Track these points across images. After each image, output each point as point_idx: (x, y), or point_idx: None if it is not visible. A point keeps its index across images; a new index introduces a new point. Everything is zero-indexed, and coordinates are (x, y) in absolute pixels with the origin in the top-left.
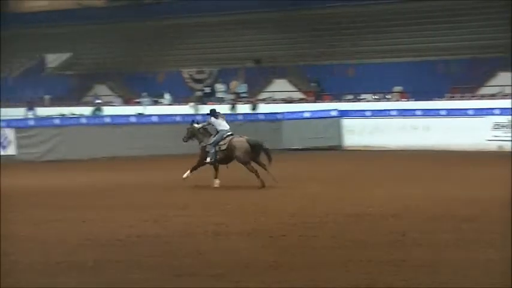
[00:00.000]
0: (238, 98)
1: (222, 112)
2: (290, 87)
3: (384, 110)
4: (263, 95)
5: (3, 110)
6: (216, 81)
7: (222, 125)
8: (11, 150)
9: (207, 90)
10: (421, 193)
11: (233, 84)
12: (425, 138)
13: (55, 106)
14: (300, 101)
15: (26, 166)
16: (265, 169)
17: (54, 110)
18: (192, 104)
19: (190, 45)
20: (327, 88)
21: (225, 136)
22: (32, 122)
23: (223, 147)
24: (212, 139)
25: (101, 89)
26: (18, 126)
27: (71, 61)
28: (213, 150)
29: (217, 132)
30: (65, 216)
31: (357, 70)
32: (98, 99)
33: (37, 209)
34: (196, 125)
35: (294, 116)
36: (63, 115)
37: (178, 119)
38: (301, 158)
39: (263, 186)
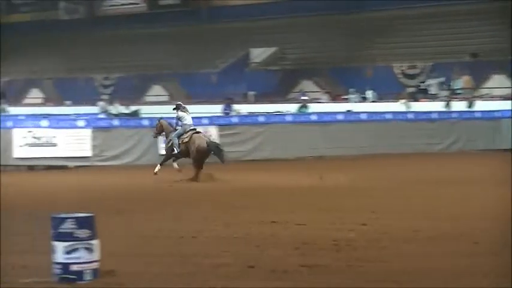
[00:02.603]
0: (453, 95)
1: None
2: (509, 83)
3: None
4: (480, 92)
5: (206, 106)
6: (428, 77)
7: (187, 119)
8: None
9: (423, 86)
10: None
11: (466, 80)
12: None
13: (259, 103)
14: None
15: (229, 165)
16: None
17: (258, 107)
18: (403, 100)
19: (401, 38)
20: None
21: (187, 130)
22: (235, 120)
23: (186, 140)
24: (175, 132)
25: (308, 85)
26: (221, 123)
27: (277, 56)
28: (176, 141)
29: (181, 125)
30: (278, 217)
31: None
32: (304, 95)
33: (246, 209)
34: (165, 121)
35: None
36: (268, 112)
37: (388, 116)
38: None
39: (193, 180)
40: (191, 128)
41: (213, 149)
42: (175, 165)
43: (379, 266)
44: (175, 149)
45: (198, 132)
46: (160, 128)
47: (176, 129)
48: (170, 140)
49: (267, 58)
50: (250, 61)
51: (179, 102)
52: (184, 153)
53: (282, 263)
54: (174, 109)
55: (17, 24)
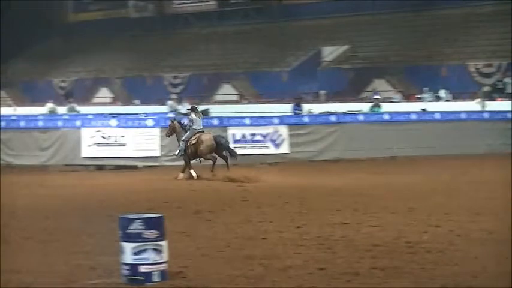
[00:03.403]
0: None
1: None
2: None
3: None
4: None
5: (276, 105)
6: (504, 75)
7: (198, 123)
8: (284, 149)
9: (500, 85)
10: None
11: None
12: None
13: (331, 102)
14: None
15: (299, 165)
16: (227, 165)
17: (329, 106)
18: (478, 100)
19: (477, 36)
20: None
21: (195, 132)
22: (306, 119)
23: (193, 142)
24: (185, 135)
25: (380, 84)
26: (291, 123)
27: (348, 54)
28: (183, 145)
29: (190, 129)
30: (350, 219)
31: None
32: (377, 94)
33: (316, 211)
34: (177, 123)
35: None
36: (340, 112)
37: (463, 116)
38: None
39: (213, 174)
40: (199, 131)
41: (222, 142)
42: (181, 175)
43: (453, 269)
44: (179, 151)
45: (203, 132)
46: (172, 128)
47: (187, 131)
48: (180, 144)
49: (339, 56)
50: (321, 59)
51: (194, 105)
52: (194, 154)
53: (354, 265)
54: (188, 109)
55: (86, 23)
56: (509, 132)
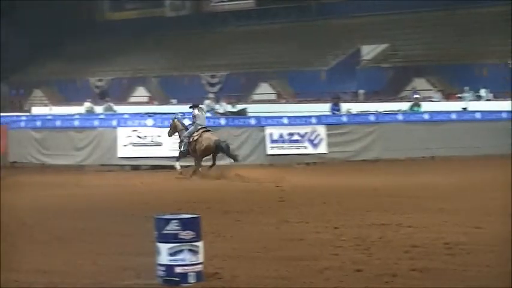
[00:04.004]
0: None
1: None
2: None
3: None
4: None
5: (313, 105)
6: None
7: (201, 118)
8: (322, 149)
9: None
10: None
11: None
12: None
13: (369, 101)
14: None
15: (337, 165)
16: (212, 165)
17: (368, 106)
18: None
19: None
20: None
21: (198, 128)
22: (344, 119)
23: (195, 138)
24: (188, 130)
25: (420, 83)
26: (329, 122)
27: (388, 53)
28: (186, 141)
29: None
30: (388, 220)
31: None
32: (417, 94)
33: (354, 211)
34: (178, 121)
35: None
36: (379, 111)
37: (504, 115)
38: None
39: (191, 176)
40: (202, 126)
41: (222, 146)
42: (177, 165)
43: (494, 271)
44: (182, 146)
45: (208, 131)
46: (174, 127)
47: (187, 129)
48: (182, 139)
49: (378, 55)
50: (360, 58)
51: (196, 103)
52: (193, 150)
53: (392, 267)
54: (190, 107)
55: (123, 21)
56: None
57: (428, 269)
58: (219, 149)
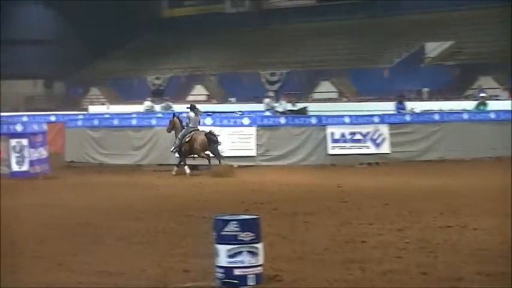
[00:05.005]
0: None
1: None
2: None
3: None
4: None
5: (376, 104)
6: None
7: (194, 122)
8: (384, 148)
9: None
10: None
11: None
12: None
13: (434, 100)
14: None
15: (400, 165)
16: (220, 161)
17: (433, 105)
18: None
19: None
20: None
21: (190, 130)
22: (408, 118)
23: (187, 140)
24: (181, 133)
25: (486, 81)
26: (392, 122)
27: (453, 50)
28: (178, 142)
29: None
30: (454, 222)
31: None
32: (483, 92)
33: (419, 213)
34: (177, 119)
35: None
36: (443, 110)
37: None
38: None
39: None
40: (194, 129)
41: (213, 138)
42: (175, 169)
43: None
44: (173, 147)
45: (197, 130)
46: (173, 124)
47: (184, 128)
48: (175, 140)
49: (443, 52)
50: (425, 56)
51: (193, 104)
52: (189, 151)
53: (457, 270)
54: (187, 108)
55: (181, 18)
56: None
57: (495, 273)
58: (210, 142)
